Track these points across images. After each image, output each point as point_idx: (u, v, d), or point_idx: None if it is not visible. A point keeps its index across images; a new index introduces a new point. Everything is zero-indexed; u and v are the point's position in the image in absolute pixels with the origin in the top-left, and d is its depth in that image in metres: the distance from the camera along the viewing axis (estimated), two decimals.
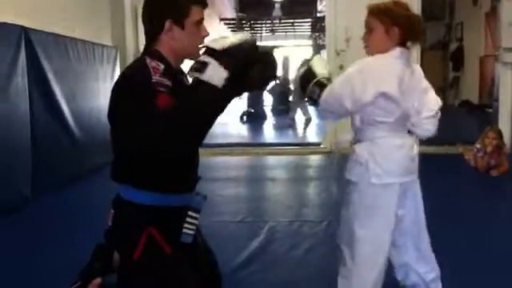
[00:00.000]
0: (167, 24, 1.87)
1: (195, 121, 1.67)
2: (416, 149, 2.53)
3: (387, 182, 2.40)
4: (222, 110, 1.72)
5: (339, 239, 2.60)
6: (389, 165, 2.40)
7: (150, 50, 1.91)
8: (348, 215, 2.51)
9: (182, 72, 2.05)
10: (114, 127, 1.86)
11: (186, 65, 1.93)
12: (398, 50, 2.40)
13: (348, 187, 2.52)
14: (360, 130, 2.48)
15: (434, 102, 2.51)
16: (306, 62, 2.62)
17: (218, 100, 1.70)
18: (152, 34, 1.92)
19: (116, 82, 1.84)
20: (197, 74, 1.68)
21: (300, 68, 2.69)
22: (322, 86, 2.47)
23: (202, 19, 1.94)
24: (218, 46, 1.71)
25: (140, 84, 1.74)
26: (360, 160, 2.43)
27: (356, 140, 2.50)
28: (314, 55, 2.65)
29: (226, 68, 1.67)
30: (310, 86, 2.51)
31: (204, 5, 1.94)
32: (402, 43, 2.42)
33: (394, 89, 2.32)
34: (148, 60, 1.81)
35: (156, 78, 1.73)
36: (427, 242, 2.63)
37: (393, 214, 2.44)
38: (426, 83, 2.55)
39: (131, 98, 1.73)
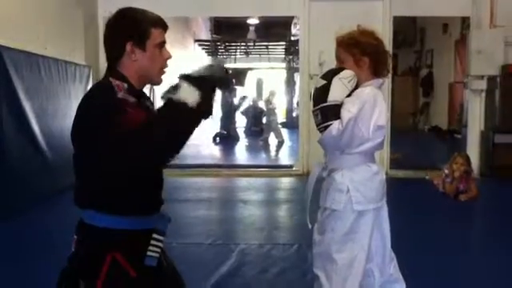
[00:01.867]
0: (128, 46, 1.87)
1: (167, 138, 1.68)
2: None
3: (367, 209, 2.46)
4: (193, 128, 1.74)
5: (313, 265, 2.60)
6: (369, 191, 2.47)
7: (112, 72, 1.90)
8: (323, 240, 2.52)
9: (143, 95, 2.03)
10: (77, 148, 1.84)
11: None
12: (380, 81, 2.45)
13: (323, 214, 2.54)
14: (337, 159, 2.50)
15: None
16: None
17: (189, 119, 1.72)
18: (114, 57, 1.92)
19: (81, 102, 1.83)
20: (170, 95, 1.71)
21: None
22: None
23: (164, 42, 1.95)
24: (189, 71, 1.76)
25: (105, 101, 1.74)
26: (341, 188, 2.46)
27: (331, 168, 2.52)
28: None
29: (197, 89, 1.72)
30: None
31: (164, 27, 1.95)
32: (373, 72, 2.46)
33: (385, 121, 2.41)
34: (112, 79, 1.83)
35: (121, 94, 1.76)
36: (394, 265, 2.65)
37: (369, 237, 2.49)
38: None
39: (96, 116, 1.72)
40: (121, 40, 1.88)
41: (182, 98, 1.69)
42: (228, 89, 2.03)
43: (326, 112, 2.34)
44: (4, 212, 5.13)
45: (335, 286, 2.47)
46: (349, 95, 2.36)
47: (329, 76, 2.38)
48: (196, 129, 1.75)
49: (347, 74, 2.38)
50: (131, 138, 1.63)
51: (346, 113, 2.31)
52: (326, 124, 2.34)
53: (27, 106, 5.77)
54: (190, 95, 1.70)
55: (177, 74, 1.80)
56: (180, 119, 1.71)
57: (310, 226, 2.66)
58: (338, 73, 2.38)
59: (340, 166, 2.49)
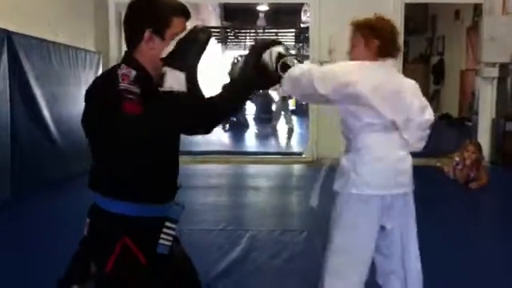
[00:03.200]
0: (147, 34, 1.83)
1: (167, 127, 1.69)
2: (408, 162, 2.48)
3: (366, 194, 2.36)
4: (196, 113, 1.74)
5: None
6: (369, 176, 2.37)
7: (128, 58, 1.88)
8: (330, 224, 2.51)
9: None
10: (87, 133, 1.86)
11: None
12: (377, 62, 2.44)
13: (334, 198, 2.52)
14: (349, 140, 2.47)
15: (426, 119, 2.49)
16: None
17: (185, 104, 1.70)
18: (132, 42, 1.89)
19: (87, 90, 1.83)
20: (160, 89, 1.68)
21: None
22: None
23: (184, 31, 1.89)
24: (164, 53, 1.73)
25: (106, 91, 1.74)
26: (342, 170, 2.43)
27: (345, 151, 2.51)
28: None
29: (181, 69, 1.68)
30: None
31: (187, 17, 1.91)
32: (382, 56, 2.44)
33: (367, 90, 2.29)
34: (123, 66, 1.80)
35: (123, 84, 1.71)
36: (415, 257, 2.58)
37: (372, 228, 2.41)
38: (421, 100, 2.50)
39: (98, 105, 1.74)
40: (140, 26, 1.84)
41: (168, 87, 1.67)
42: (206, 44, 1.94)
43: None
44: (15, 197, 5.18)
45: (328, 272, 2.44)
46: None
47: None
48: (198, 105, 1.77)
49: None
50: (130, 127, 1.66)
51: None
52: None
53: (38, 92, 5.80)
54: (175, 79, 1.68)
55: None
56: (174, 112, 1.71)
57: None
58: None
59: (350, 148, 2.46)
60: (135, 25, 1.87)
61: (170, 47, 1.73)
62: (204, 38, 1.79)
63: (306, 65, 2.31)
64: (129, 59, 1.87)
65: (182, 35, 1.76)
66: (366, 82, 2.31)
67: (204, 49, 1.79)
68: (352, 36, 2.51)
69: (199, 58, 1.77)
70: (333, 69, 2.38)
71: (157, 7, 1.85)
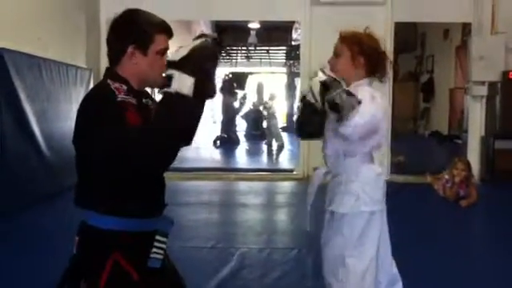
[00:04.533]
0: (130, 49, 1.86)
1: (171, 134, 1.67)
2: None
3: (374, 210, 2.46)
4: (198, 118, 1.72)
5: (323, 269, 2.59)
6: (376, 193, 2.48)
7: (112, 73, 1.90)
8: (334, 244, 2.51)
9: (147, 95, 2.03)
10: (79, 151, 1.84)
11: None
12: (368, 80, 2.46)
13: (332, 218, 2.52)
14: (340, 163, 2.50)
15: None
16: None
17: (191, 108, 1.69)
18: (114, 57, 1.91)
19: (81, 105, 1.82)
20: (165, 89, 1.68)
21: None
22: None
23: (166, 48, 1.92)
24: (177, 56, 1.71)
25: (106, 104, 1.74)
26: (348, 191, 2.46)
27: (335, 173, 2.51)
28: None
29: (190, 75, 1.67)
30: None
31: (169, 34, 1.93)
32: (367, 73, 2.47)
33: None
34: (110, 82, 1.82)
35: (121, 96, 1.74)
36: (394, 267, 2.66)
37: (378, 240, 2.50)
38: None
39: (98, 119, 1.72)
40: (123, 42, 1.87)
41: (176, 89, 1.65)
42: (220, 55, 1.93)
43: (350, 97, 2.23)
44: (4, 212, 5.13)
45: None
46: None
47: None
48: (201, 113, 1.72)
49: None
50: (132, 143, 1.62)
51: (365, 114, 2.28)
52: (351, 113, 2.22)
53: (28, 108, 5.77)
54: (183, 83, 1.66)
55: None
56: (179, 113, 1.66)
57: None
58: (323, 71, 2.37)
59: (344, 169, 2.49)
60: (118, 41, 1.89)
61: (183, 52, 1.71)
62: (217, 48, 1.80)
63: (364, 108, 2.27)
64: (113, 75, 1.88)
65: (196, 42, 1.75)
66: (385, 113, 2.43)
67: (217, 57, 1.80)
68: (338, 45, 2.52)
69: (214, 65, 1.77)
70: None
71: (139, 24, 1.88)
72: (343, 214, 2.47)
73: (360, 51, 2.45)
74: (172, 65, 1.70)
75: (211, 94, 1.76)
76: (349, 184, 2.46)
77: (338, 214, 2.49)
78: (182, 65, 1.68)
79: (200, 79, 1.68)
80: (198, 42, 1.75)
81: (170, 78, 1.67)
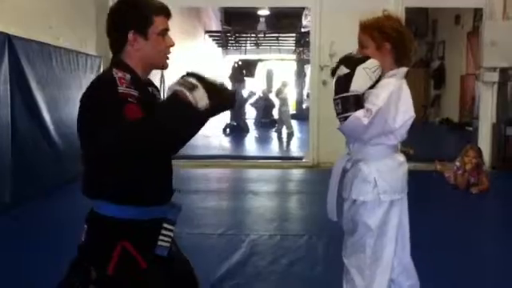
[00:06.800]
0: (130, 35, 1.86)
1: (169, 133, 1.68)
2: None
3: (394, 199, 2.45)
4: (195, 132, 1.73)
5: (344, 255, 2.59)
6: (395, 182, 2.47)
7: (117, 61, 1.90)
8: (355, 232, 2.50)
9: (150, 83, 2.03)
10: (83, 140, 1.85)
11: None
12: (405, 70, 2.42)
13: (351, 206, 2.52)
14: (362, 149, 2.47)
15: None
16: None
17: (195, 121, 1.71)
18: (117, 46, 1.91)
19: (83, 94, 1.83)
20: (185, 91, 1.68)
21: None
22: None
23: (167, 29, 1.93)
24: (207, 76, 1.75)
25: (106, 95, 1.74)
26: (369, 179, 2.44)
27: (356, 159, 2.50)
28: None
29: (209, 98, 1.69)
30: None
31: (167, 15, 1.93)
32: (396, 60, 2.40)
33: (411, 112, 2.39)
34: (114, 71, 1.81)
35: (122, 88, 1.74)
36: (409, 255, 2.65)
37: (397, 229, 2.49)
38: None
39: (98, 110, 1.73)
40: (123, 28, 1.87)
41: (195, 101, 1.67)
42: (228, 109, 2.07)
43: (347, 102, 2.28)
44: (14, 200, 5.18)
45: (366, 279, 2.47)
46: (373, 86, 2.30)
47: (352, 64, 2.30)
48: (196, 130, 1.74)
49: (372, 63, 2.30)
50: (132, 131, 1.64)
51: (371, 105, 2.25)
52: (346, 115, 2.28)
53: (39, 96, 5.80)
54: (203, 100, 1.68)
55: (188, 66, 1.79)
56: (188, 122, 1.70)
57: (335, 219, 2.64)
58: (363, 61, 2.30)
59: (365, 156, 2.46)
60: (118, 28, 1.89)
61: (212, 78, 1.78)
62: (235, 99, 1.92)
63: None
64: (118, 63, 1.89)
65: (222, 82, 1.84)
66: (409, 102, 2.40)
67: (232, 105, 1.91)
68: (361, 36, 2.45)
69: (225, 107, 1.88)
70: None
71: (136, 8, 1.88)
72: (363, 201, 2.46)
73: (383, 37, 2.37)
74: (200, 78, 1.73)
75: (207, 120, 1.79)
76: (368, 171, 2.44)
77: (358, 202, 2.48)
78: (207, 86, 1.72)
79: (214, 107, 1.72)
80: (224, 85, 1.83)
81: (194, 86, 1.69)
